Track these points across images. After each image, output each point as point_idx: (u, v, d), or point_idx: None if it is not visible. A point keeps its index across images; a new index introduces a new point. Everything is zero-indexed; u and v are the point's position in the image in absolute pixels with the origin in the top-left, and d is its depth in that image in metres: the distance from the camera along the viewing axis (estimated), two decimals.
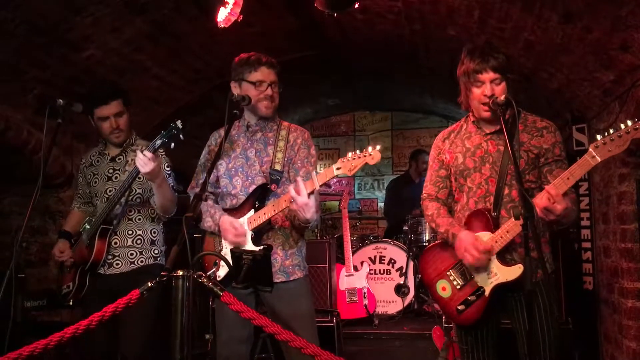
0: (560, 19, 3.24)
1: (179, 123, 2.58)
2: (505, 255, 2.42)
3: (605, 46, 3.16)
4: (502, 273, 2.38)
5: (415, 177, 6.56)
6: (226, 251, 2.68)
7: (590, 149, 2.20)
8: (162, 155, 3.02)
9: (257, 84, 2.70)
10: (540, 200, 2.21)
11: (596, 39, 3.17)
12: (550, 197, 2.18)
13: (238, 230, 2.61)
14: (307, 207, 2.45)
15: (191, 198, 2.91)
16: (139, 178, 2.96)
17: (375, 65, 5.80)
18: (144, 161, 2.62)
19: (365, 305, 5.15)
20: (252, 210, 2.66)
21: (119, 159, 3.17)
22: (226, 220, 2.65)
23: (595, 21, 3.07)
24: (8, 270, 2.74)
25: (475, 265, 2.40)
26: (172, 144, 2.60)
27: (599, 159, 2.19)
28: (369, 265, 5.57)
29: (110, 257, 3.05)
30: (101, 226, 3.02)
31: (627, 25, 2.88)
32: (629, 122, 2.15)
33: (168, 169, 3.10)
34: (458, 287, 2.50)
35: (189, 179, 2.97)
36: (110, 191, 3.09)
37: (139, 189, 3.08)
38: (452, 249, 2.54)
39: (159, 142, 2.61)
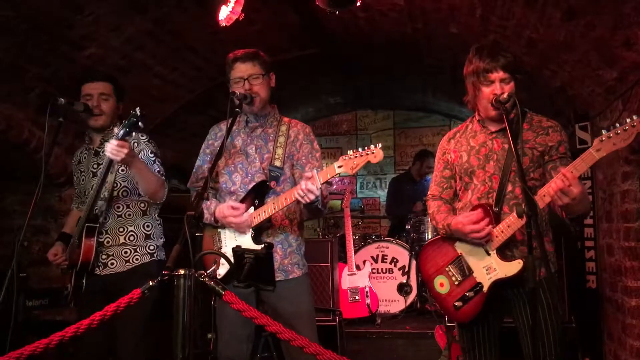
0: (563, 16, 3.23)
1: (137, 110, 2.57)
2: (505, 251, 2.42)
3: (608, 43, 3.14)
4: (502, 269, 2.38)
5: (416, 176, 6.54)
6: (227, 249, 2.67)
7: (595, 143, 2.19)
8: (145, 141, 3.02)
9: (236, 82, 2.68)
10: (553, 184, 2.19)
11: (599, 36, 3.15)
12: (565, 179, 2.15)
13: (239, 210, 2.59)
14: (311, 195, 2.41)
15: (192, 194, 2.90)
16: (122, 171, 2.94)
17: (377, 64, 5.78)
18: (115, 150, 2.62)
19: (368, 305, 5.14)
20: (252, 208, 2.64)
21: (102, 152, 3.06)
22: (223, 206, 2.64)
23: (598, 18, 3.05)
24: (10, 269, 2.72)
25: (485, 238, 2.38)
26: (133, 132, 2.63)
27: (603, 153, 2.18)
28: (372, 264, 5.55)
29: (104, 256, 2.98)
30: (86, 225, 2.94)
31: (630, 22, 2.87)
32: (634, 117, 2.15)
33: (152, 155, 3.01)
34: (456, 282, 2.50)
35: (189, 176, 2.95)
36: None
37: (124, 181, 3.01)
38: (451, 244, 2.54)
39: (121, 132, 2.63)
